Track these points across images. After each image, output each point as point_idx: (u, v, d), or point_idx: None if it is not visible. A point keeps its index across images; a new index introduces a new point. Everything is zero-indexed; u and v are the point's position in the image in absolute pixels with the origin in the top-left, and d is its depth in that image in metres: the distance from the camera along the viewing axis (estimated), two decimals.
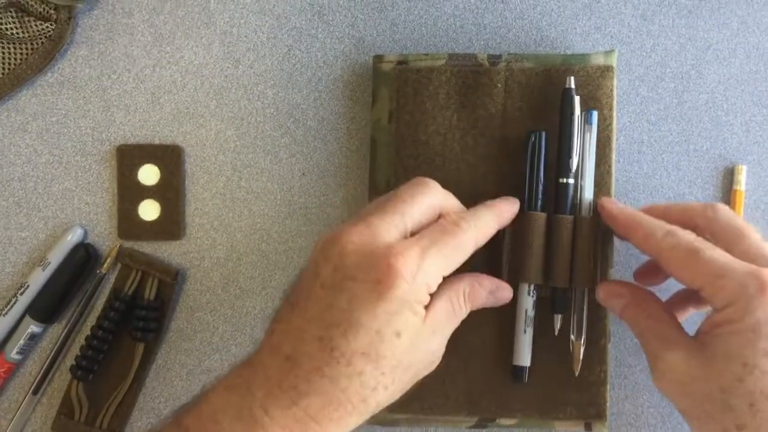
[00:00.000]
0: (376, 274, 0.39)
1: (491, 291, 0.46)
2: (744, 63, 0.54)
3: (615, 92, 0.50)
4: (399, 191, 0.43)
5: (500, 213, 0.46)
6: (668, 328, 0.44)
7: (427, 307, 0.41)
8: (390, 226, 0.41)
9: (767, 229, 0.53)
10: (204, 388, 0.41)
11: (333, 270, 0.40)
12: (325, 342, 0.38)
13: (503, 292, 0.47)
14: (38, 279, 0.52)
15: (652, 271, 0.50)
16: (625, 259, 0.52)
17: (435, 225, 0.42)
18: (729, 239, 0.44)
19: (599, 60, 0.50)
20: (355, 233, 0.40)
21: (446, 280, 0.42)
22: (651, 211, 0.47)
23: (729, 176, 0.53)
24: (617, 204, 0.48)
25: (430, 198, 0.43)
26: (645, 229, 0.45)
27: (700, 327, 0.43)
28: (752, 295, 0.40)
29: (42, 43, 0.53)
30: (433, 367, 0.44)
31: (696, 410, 0.41)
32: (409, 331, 0.40)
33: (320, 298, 0.40)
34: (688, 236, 0.43)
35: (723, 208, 0.45)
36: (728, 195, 0.53)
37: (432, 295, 0.41)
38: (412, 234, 0.42)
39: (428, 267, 0.40)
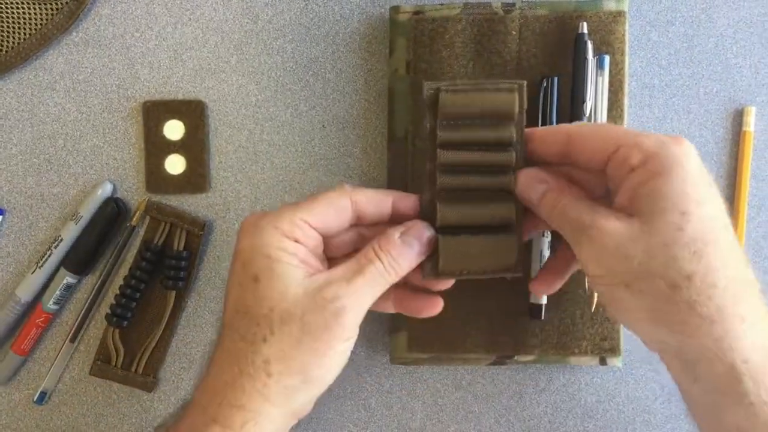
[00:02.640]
0: None
1: (403, 233, 0.43)
2: (753, 6, 0.54)
3: (627, 37, 0.51)
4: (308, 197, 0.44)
5: (393, 195, 0.45)
6: (594, 204, 0.41)
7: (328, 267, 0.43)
8: (285, 206, 0.43)
9: None
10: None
11: None
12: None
13: (415, 229, 0.43)
14: (71, 232, 0.54)
15: (553, 269, 0.48)
16: None
17: None
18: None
19: (611, 5, 0.51)
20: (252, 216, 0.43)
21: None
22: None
23: (738, 118, 0.54)
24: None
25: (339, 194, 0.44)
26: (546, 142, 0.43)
27: (618, 200, 0.40)
28: (669, 143, 0.39)
29: (66, 3, 0.54)
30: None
31: (637, 273, 0.38)
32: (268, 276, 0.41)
33: None
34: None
35: None
36: (738, 136, 0.54)
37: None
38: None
39: (279, 213, 0.42)
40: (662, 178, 0.38)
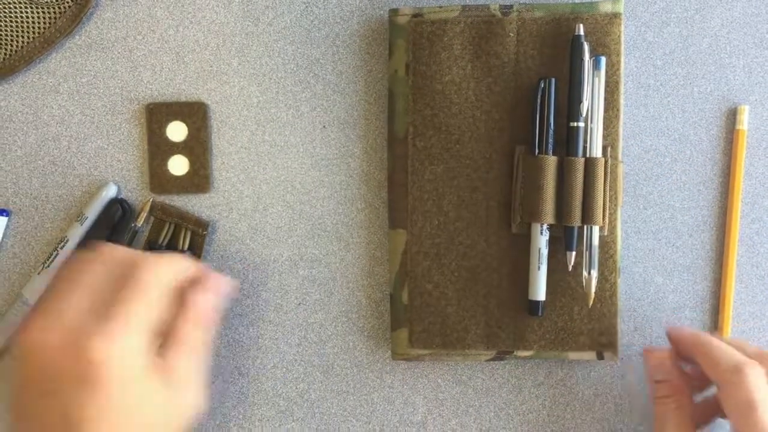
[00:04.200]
0: None
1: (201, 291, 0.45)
2: (746, 6, 0.55)
3: (622, 38, 0.52)
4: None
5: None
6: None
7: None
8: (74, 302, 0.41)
9: None
10: None
11: None
12: None
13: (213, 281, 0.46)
14: (77, 233, 0.55)
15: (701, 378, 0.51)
16: (633, 200, 0.55)
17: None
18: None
19: (607, 7, 0.51)
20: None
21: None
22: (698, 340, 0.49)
23: (732, 117, 0.55)
24: (684, 329, 0.50)
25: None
26: (712, 355, 0.46)
27: None
28: None
29: (69, 6, 0.55)
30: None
31: None
32: None
33: None
34: (753, 383, 0.44)
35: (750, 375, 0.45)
36: (731, 135, 0.55)
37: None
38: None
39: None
40: None
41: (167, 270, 0.43)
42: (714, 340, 0.48)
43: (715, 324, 0.55)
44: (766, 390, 0.44)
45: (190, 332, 0.44)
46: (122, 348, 0.39)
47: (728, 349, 0.47)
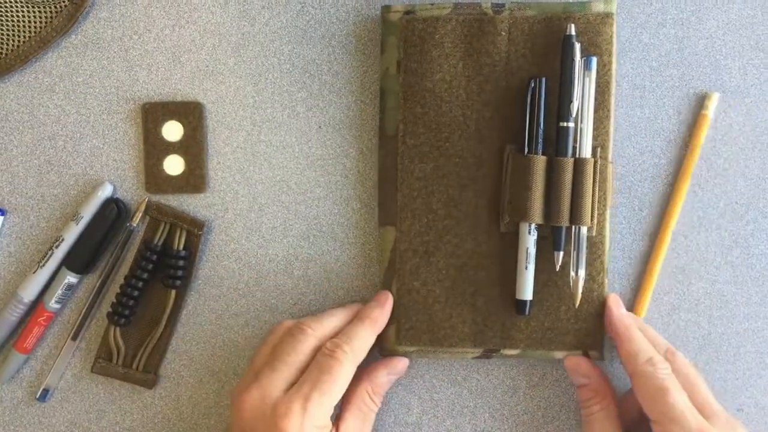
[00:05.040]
0: None
1: (389, 372, 0.53)
2: (742, 8, 0.55)
3: (614, 39, 0.52)
4: (281, 347, 0.49)
5: (374, 323, 0.52)
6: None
7: (337, 426, 0.49)
8: (278, 381, 0.47)
9: (763, 168, 0.55)
10: None
11: None
12: None
13: (398, 364, 0.53)
14: (72, 232, 0.55)
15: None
16: (627, 201, 0.55)
17: (314, 364, 0.48)
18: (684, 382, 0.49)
19: (599, 7, 0.51)
20: (248, 398, 0.47)
21: (348, 390, 0.49)
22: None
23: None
24: (620, 309, 0.52)
25: (306, 343, 0.49)
26: (632, 347, 0.50)
27: None
28: None
29: (65, 6, 0.55)
30: None
31: None
32: None
33: None
34: (663, 372, 0.48)
35: (680, 356, 0.51)
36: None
37: (339, 414, 0.49)
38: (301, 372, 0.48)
39: (313, 412, 0.46)
40: None
41: (364, 349, 0.50)
42: (634, 332, 0.51)
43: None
44: (675, 381, 0.48)
45: (367, 405, 0.52)
46: (310, 427, 0.46)
47: (644, 342, 0.50)
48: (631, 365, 0.49)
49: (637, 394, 0.49)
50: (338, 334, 0.50)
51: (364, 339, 0.50)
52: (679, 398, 0.47)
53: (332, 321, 0.51)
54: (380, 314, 0.52)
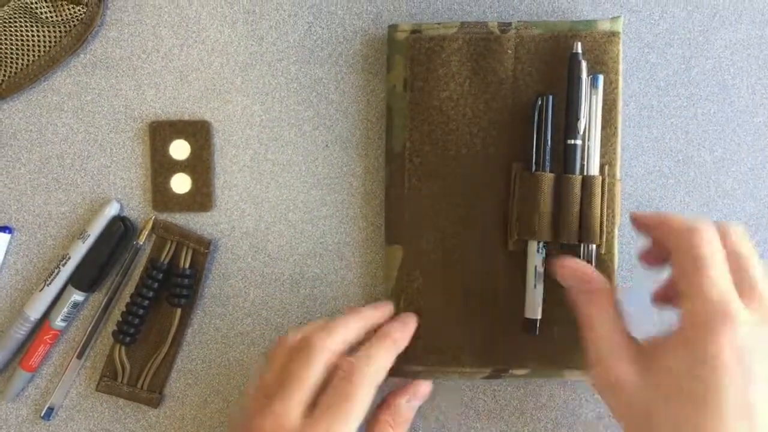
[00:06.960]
0: None
1: (409, 399, 0.51)
2: (750, 28, 0.55)
3: (621, 57, 0.52)
4: (292, 366, 0.45)
5: (395, 343, 0.49)
6: (618, 333, 0.46)
7: None
8: (294, 406, 0.44)
9: None
10: None
11: None
12: None
13: (419, 388, 0.51)
14: (79, 251, 0.55)
15: (657, 255, 0.50)
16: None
17: (331, 389, 0.44)
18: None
19: (606, 26, 0.52)
20: (262, 425, 0.43)
21: (368, 422, 0.47)
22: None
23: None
24: (648, 212, 0.49)
25: (319, 359, 0.45)
26: (671, 223, 0.45)
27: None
28: (712, 329, 0.40)
29: (74, 25, 0.56)
30: None
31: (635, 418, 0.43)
32: None
33: None
34: (706, 239, 0.43)
35: (736, 229, 0.45)
36: None
37: None
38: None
39: None
40: (687, 348, 0.41)
41: (383, 370, 0.47)
42: (666, 213, 0.47)
43: None
44: (717, 247, 0.43)
45: None
46: None
47: (686, 218, 0.45)
48: (669, 238, 0.45)
49: (674, 271, 0.44)
50: (352, 350, 0.47)
51: (383, 360, 0.47)
52: (716, 273, 0.42)
53: (344, 332, 0.47)
54: (402, 335, 0.49)
